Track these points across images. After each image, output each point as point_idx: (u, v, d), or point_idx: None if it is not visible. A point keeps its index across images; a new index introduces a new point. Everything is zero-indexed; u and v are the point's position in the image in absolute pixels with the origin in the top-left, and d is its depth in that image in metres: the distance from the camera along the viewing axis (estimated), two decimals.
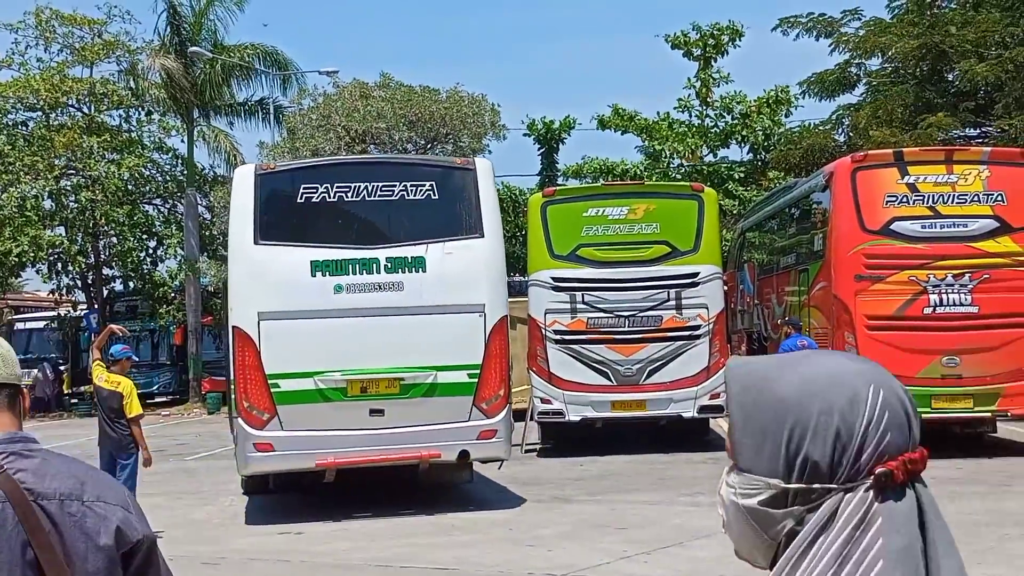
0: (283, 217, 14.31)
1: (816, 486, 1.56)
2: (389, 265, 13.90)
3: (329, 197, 14.17)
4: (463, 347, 13.93)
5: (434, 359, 13.85)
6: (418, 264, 13.95)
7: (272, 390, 13.65)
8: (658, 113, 36.21)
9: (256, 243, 13.91)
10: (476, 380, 13.97)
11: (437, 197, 14.36)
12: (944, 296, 17.20)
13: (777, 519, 1.59)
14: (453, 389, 13.95)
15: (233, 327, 13.86)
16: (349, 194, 14.21)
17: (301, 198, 14.16)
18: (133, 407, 13.31)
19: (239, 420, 13.76)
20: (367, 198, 14.25)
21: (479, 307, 14.03)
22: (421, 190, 14.26)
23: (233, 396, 14.06)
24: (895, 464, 1.57)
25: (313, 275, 13.80)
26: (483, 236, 14.26)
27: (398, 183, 14.27)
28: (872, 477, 1.56)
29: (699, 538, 12.04)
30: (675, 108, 36.16)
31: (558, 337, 19.20)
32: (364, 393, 13.81)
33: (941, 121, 24.20)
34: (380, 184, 14.24)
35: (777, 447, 1.58)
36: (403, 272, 13.92)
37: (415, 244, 14.05)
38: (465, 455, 14.11)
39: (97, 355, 14.05)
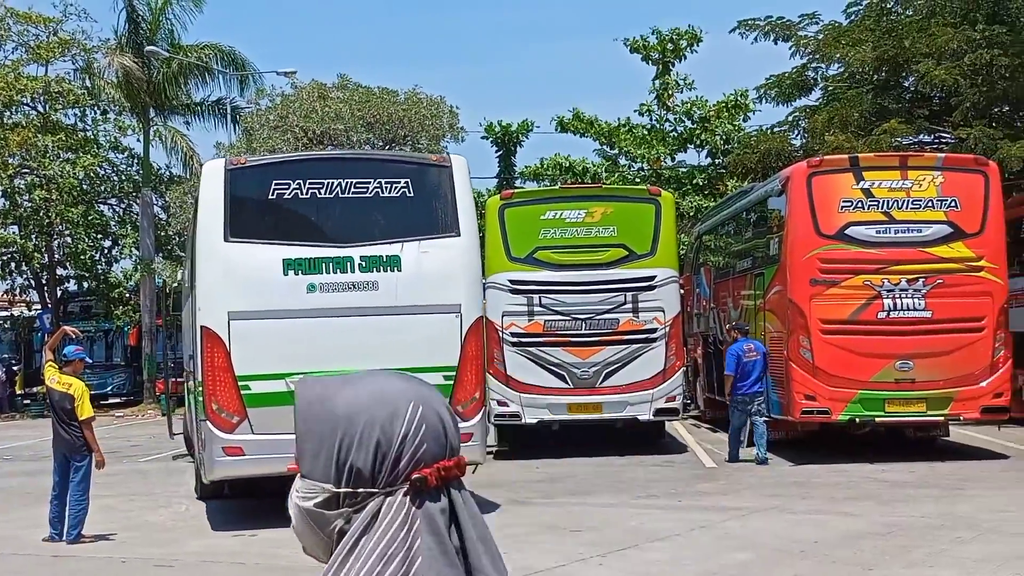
0: (254, 214, 13.94)
1: (360, 490, 1.75)
2: (364, 264, 13.57)
3: (302, 193, 13.75)
4: (439, 348, 13.57)
5: (409, 361, 13.11)
6: (393, 263, 13.63)
7: (242, 392, 13.28)
8: (618, 118, 36.34)
9: (226, 240, 13.48)
10: (452, 382, 13.58)
11: (412, 194, 14.00)
12: (898, 301, 17.33)
13: (330, 519, 1.78)
14: None
15: (201, 327, 13.47)
16: (322, 191, 13.79)
17: (273, 194, 13.75)
18: (84, 409, 13.08)
19: (207, 423, 13.36)
20: (341, 195, 13.84)
21: (455, 307, 13.75)
22: (396, 187, 13.91)
23: (199, 398, 13.68)
24: (429, 471, 1.75)
25: (285, 274, 13.43)
26: (459, 235, 13.95)
27: (372, 180, 13.92)
28: (409, 482, 1.74)
29: (654, 540, 12.09)
30: (635, 111, 36.29)
31: (515, 340, 19.24)
32: None
33: (895, 128, 24.38)
34: (354, 180, 13.87)
35: (330, 456, 1.77)
36: (378, 271, 13.59)
37: (390, 243, 13.71)
38: None
39: (50, 356, 13.90)
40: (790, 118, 29.81)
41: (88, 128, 39.27)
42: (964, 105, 24.28)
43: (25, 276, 38.56)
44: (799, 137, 29.08)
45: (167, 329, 24.23)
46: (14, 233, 36.86)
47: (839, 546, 11.75)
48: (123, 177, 39.67)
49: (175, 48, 37.37)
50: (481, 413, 14.00)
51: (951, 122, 25.90)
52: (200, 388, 13.52)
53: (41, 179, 36.21)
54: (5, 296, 42.13)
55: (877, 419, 17.66)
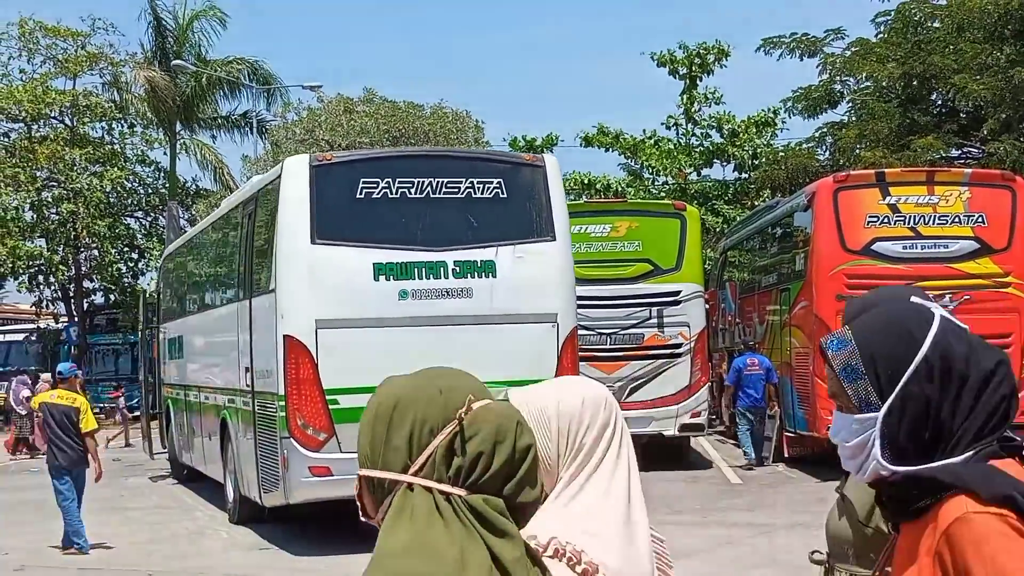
0: (342, 214, 12.91)
1: None
2: (457, 269, 12.67)
3: (391, 193, 12.77)
4: (535, 361, 12.60)
5: (505, 374, 11.81)
6: (488, 269, 12.75)
7: (330, 407, 12.32)
8: (644, 131, 36.32)
9: (313, 242, 12.52)
10: None
11: (506, 195, 13.12)
12: None
13: None
14: None
15: (285, 336, 12.44)
16: (412, 190, 12.83)
17: (361, 193, 12.74)
18: (89, 422, 13.38)
19: (290, 441, 12.34)
20: (432, 195, 12.88)
21: (552, 316, 12.95)
22: (488, 188, 13.02)
23: (281, 414, 12.47)
24: None
25: (376, 279, 12.51)
26: (555, 239, 13.16)
27: (464, 179, 13.00)
28: None
29: (679, 557, 11.99)
30: (662, 124, 36.25)
31: None
32: None
33: (932, 144, 24.33)
34: (445, 180, 12.92)
35: None
36: (472, 278, 12.71)
37: (484, 247, 12.84)
38: None
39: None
40: (817, 133, 29.76)
41: (115, 141, 39.53)
42: (996, 119, 24.19)
43: (52, 288, 38.81)
44: (826, 151, 29.02)
45: (148, 341, 23.08)
46: (41, 246, 37.10)
47: None
48: (150, 190, 39.93)
49: (201, 62, 37.63)
50: None
51: (979, 136, 25.83)
52: (282, 403, 12.44)
53: (68, 192, 36.44)
54: (32, 308, 42.32)
55: None
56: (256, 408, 13.56)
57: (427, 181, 12.84)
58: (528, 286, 12.83)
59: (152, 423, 22.34)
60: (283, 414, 12.40)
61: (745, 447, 19.26)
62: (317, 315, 12.40)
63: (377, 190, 12.71)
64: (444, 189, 12.88)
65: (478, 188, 12.99)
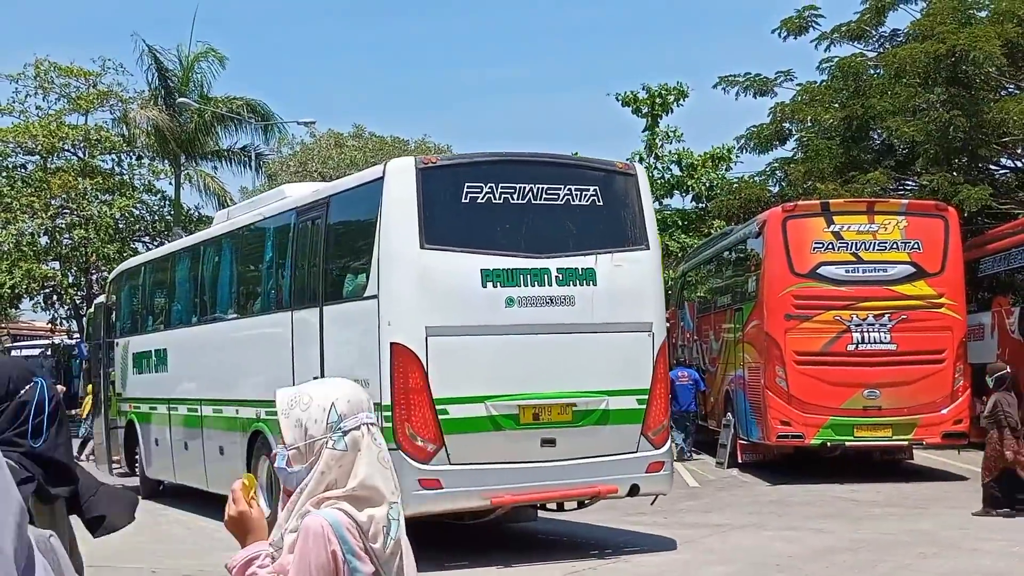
0: (448, 218, 11.75)
1: None
2: (560, 277, 11.62)
3: (495, 198, 11.64)
4: (632, 370, 11.83)
5: (604, 383, 11.65)
6: (588, 277, 11.73)
7: (440, 417, 11.13)
8: None
9: (422, 247, 11.28)
10: (644, 407, 11.85)
11: (602, 203, 12.10)
12: (866, 334, 17.38)
13: None
14: (623, 417, 11.75)
15: (392, 344, 11.12)
16: (514, 195, 11.71)
17: (465, 198, 11.58)
18: None
19: (398, 453, 10.71)
20: (533, 201, 11.78)
21: (647, 325, 12.02)
22: (586, 195, 12.00)
23: (389, 425, 11.00)
24: None
25: (484, 286, 11.37)
26: (648, 248, 12.25)
27: (563, 186, 11.92)
28: None
29: (642, 554, 12.03)
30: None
31: None
32: (536, 421, 11.43)
33: (878, 178, 24.55)
34: (545, 186, 11.83)
35: None
36: (574, 285, 11.67)
37: (584, 254, 11.83)
38: (635, 490, 11.91)
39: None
40: (768, 169, 29.92)
41: (124, 172, 39.37)
42: (926, 156, 24.43)
43: (66, 308, 38.60)
44: (776, 184, 29.17)
45: (99, 354, 20.76)
46: (55, 268, 36.96)
47: (812, 560, 11.74)
48: (156, 217, 39.70)
49: (204, 99, 37.56)
50: (669, 440, 12.36)
51: (914, 171, 26.02)
52: (387, 414, 11.07)
53: (80, 219, 36.28)
54: (47, 326, 42.09)
55: (847, 443, 17.69)
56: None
57: (528, 187, 11.78)
58: (626, 295, 11.93)
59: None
60: (388, 425, 10.96)
61: (676, 441, 19.12)
62: (427, 322, 11.17)
63: (481, 195, 11.61)
64: (544, 196, 11.85)
65: (576, 195, 11.98)
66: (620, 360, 11.84)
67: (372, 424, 3.03)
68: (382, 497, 2.95)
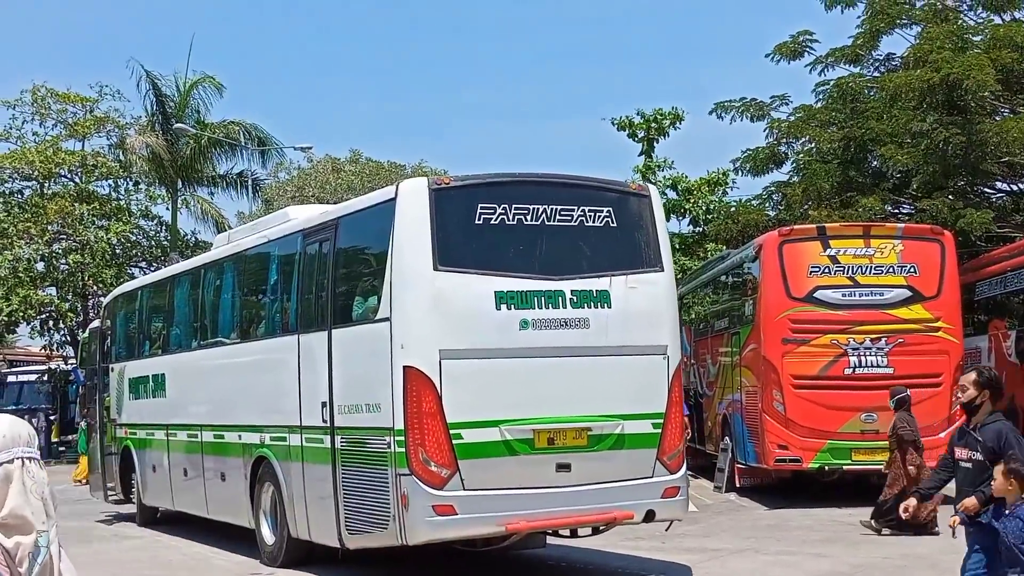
0: (462, 240, 11.60)
1: None
2: (575, 299, 11.46)
3: (508, 219, 11.47)
4: (647, 394, 11.73)
5: (619, 407, 11.55)
6: (603, 299, 11.58)
7: (454, 442, 10.92)
8: None
9: (436, 268, 11.10)
10: (660, 431, 11.72)
11: (616, 224, 11.97)
12: (863, 358, 17.40)
13: None
14: (638, 441, 11.62)
15: (406, 367, 10.94)
16: (528, 217, 11.55)
17: (479, 219, 11.42)
18: None
19: (411, 478, 10.78)
20: (547, 222, 11.62)
21: (662, 348, 11.87)
22: (599, 216, 11.85)
23: (400, 449, 10.92)
24: None
25: (498, 308, 11.19)
26: (663, 270, 12.12)
27: (576, 207, 11.75)
28: None
29: None
30: None
31: None
32: (551, 445, 11.27)
33: (873, 204, 24.63)
34: (559, 208, 11.66)
35: None
36: (589, 308, 11.51)
37: (599, 276, 11.68)
38: (651, 515, 11.77)
39: None
40: (765, 192, 29.98)
41: (121, 197, 39.42)
42: (923, 176, 24.52)
43: (62, 333, 38.57)
44: (773, 208, 29.23)
45: (92, 380, 20.69)
46: (52, 294, 36.96)
47: None
48: (153, 242, 39.76)
49: (201, 125, 37.65)
50: (685, 465, 12.17)
51: (911, 194, 26.10)
52: (399, 438, 10.94)
53: (77, 244, 36.32)
54: (43, 351, 42.06)
55: (844, 467, 17.69)
56: (341, 445, 11.97)
57: (542, 208, 11.59)
58: (640, 317, 11.77)
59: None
60: (401, 450, 10.86)
61: None
62: (441, 345, 11.00)
63: (495, 216, 11.43)
64: (558, 217, 11.67)
65: (590, 216, 11.82)
66: (635, 383, 11.74)
67: (30, 458, 3.48)
68: (31, 526, 3.41)
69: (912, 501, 8.11)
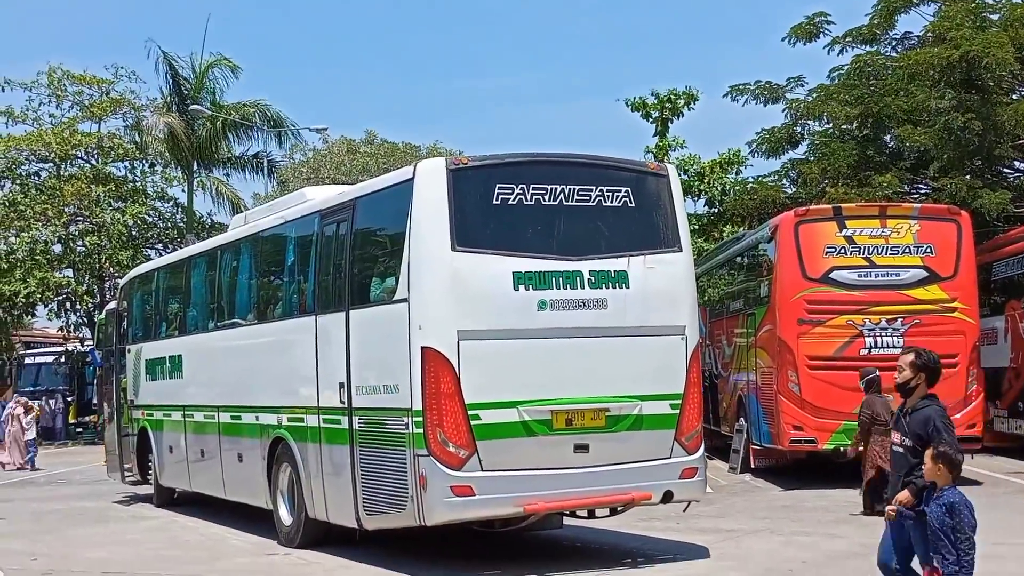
0: (479, 220, 11.50)
1: None
2: (593, 280, 11.43)
3: (526, 199, 11.42)
4: (665, 375, 11.71)
5: (636, 388, 11.52)
6: (621, 279, 11.54)
7: (472, 423, 10.93)
8: None
9: (454, 249, 11.07)
10: (678, 412, 11.70)
11: (634, 204, 11.89)
12: (879, 339, 17.37)
13: None
14: (656, 422, 11.60)
15: (424, 348, 10.91)
16: (546, 197, 11.49)
17: (497, 199, 11.36)
18: None
19: (429, 459, 10.80)
20: (564, 202, 11.57)
21: (680, 329, 11.82)
22: (618, 196, 11.79)
23: (417, 430, 10.90)
24: None
25: (516, 288, 11.15)
26: (681, 250, 12.09)
27: (594, 187, 11.70)
28: None
29: (654, 561, 12.04)
30: None
31: None
32: (569, 426, 11.25)
33: (891, 182, 24.54)
34: (577, 188, 11.62)
35: None
36: (607, 288, 11.47)
37: (617, 256, 11.63)
38: (669, 496, 11.78)
39: None
40: (782, 169, 29.89)
41: (137, 179, 39.58)
42: (940, 159, 24.43)
43: (79, 314, 38.74)
44: (790, 186, 29.16)
45: (109, 362, 20.74)
46: (68, 276, 37.10)
47: (825, 566, 11.75)
48: (169, 224, 39.87)
49: (216, 107, 37.68)
50: (703, 446, 12.15)
51: (927, 175, 26.00)
52: (418, 419, 10.92)
53: (93, 226, 36.45)
54: (60, 333, 42.26)
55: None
56: (359, 426, 11.95)
57: (560, 188, 11.55)
58: (658, 298, 11.73)
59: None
60: (419, 431, 10.86)
61: None
62: (459, 326, 10.98)
63: (512, 196, 11.39)
64: (576, 197, 11.62)
65: (608, 196, 11.76)
66: (653, 364, 11.70)
67: None
68: None
69: (905, 494, 8.01)
